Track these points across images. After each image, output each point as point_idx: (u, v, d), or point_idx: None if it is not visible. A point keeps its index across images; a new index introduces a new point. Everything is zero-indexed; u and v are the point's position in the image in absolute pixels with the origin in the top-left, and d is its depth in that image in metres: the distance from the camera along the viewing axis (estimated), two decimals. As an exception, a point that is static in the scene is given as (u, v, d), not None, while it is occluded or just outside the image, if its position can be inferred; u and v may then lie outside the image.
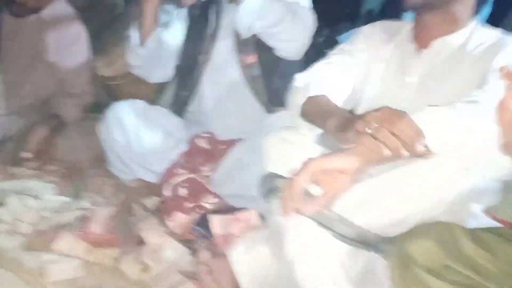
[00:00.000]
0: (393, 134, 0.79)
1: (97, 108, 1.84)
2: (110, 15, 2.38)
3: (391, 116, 0.81)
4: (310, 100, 1.05)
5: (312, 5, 1.56)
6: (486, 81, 0.96)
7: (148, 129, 1.50)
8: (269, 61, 1.54)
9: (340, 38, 2.49)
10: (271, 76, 1.55)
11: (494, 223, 0.88)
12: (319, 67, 1.19)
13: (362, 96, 1.22)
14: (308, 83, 1.11)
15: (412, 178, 0.88)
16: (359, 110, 1.19)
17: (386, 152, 0.80)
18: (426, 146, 0.81)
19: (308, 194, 0.82)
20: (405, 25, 1.21)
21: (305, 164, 0.81)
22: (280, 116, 1.34)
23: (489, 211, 0.88)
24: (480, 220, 0.92)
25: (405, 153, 0.80)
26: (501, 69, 0.72)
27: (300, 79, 1.15)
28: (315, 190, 0.82)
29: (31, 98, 1.86)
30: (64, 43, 1.86)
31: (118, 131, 1.48)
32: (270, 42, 1.49)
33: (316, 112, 1.01)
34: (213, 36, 1.60)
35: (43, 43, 1.84)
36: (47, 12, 1.83)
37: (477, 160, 0.86)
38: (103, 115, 1.57)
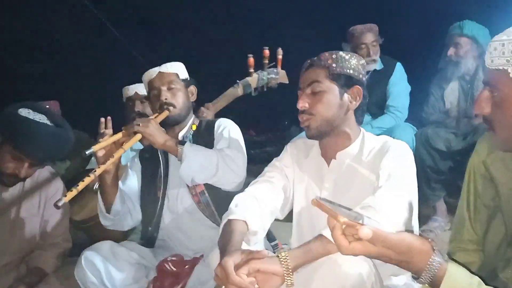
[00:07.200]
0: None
1: (75, 251, 1.94)
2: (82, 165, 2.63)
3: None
4: (228, 223, 1.29)
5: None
6: (378, 180, 1.25)
7: (118, 267, 1.64)
8: (215, 189, 1.74)
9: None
10: (219, 200, 1.74)
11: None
12: (254, 187, 1.45)
13: (293, 204, 1.49)
14: (237, 203, 1.34)
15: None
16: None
17: None
18: None
19: None
20: None
21: (246, 262, 1.05)
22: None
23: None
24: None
25: None
26: (312, 201, 0.96)
27: (235, 200, 1.38)
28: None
29: (14, 255, 1.89)
30: (45, 199, 1.97)
31: (92, 273, 1.60)
32: (213, 184, 1.70)
33: (223, 238, 1.25)
34: (166, 172, 1.83)
35: (26, 206, 1.92)
36: (29, 180, 1.91)
37: None
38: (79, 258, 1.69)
